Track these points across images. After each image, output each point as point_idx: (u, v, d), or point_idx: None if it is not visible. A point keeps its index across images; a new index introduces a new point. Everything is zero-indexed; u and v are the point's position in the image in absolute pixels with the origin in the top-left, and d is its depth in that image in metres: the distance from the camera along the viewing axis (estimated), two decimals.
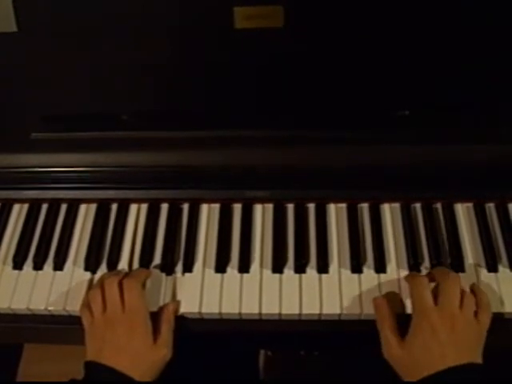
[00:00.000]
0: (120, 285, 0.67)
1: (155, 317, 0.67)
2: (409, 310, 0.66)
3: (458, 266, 0.70)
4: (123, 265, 0.73)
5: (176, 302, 0.69)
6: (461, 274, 0.69)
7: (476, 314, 0.63)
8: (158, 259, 0.73)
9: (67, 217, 0.78)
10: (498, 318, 0.67)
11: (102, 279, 0.70)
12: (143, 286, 0.69)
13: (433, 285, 0.65)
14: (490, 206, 0.76)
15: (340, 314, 0.67)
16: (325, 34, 0.65)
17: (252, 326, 0.69)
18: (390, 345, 0.63)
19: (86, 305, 0.67)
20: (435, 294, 0.64)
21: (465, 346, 0.61)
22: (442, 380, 0.59)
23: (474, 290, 0.67)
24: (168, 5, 0.64)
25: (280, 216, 0.75)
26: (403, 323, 0.64)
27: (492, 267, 0.70)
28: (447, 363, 0.59)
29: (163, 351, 0.65)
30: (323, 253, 0.71)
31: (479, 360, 0.61)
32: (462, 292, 0.64)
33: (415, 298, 0.64)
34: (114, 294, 0.66)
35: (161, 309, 0.68)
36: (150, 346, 0.64)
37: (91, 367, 0.63)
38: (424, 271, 0.70)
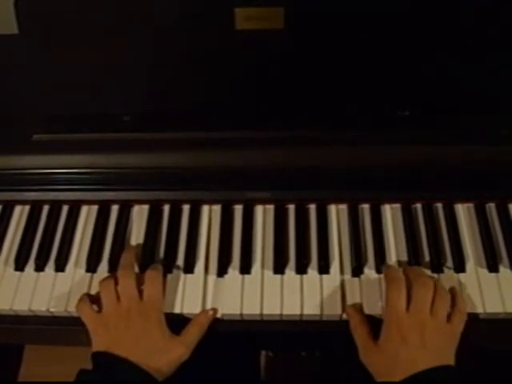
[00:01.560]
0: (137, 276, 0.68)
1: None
2: None
3: (459, 266, 0.70)
4: None
5: (216, 310, 0.68)
6: (461, 275, 0.70)
7: (449, 317, 0.63)
8: (159, 260, 0.73)
9: (68, 218, 0.78)
10: (499, 319, 0.67)
11: (113, 274, 0.70)
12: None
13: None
14: (491, 206, 0.76)
15: (341, 315, 0.67)
16: (325, 36, 0.65)
17: (253, 326, 0.69)
18: (365, 350, 0.64)
19: (86, 299, 0.67)
20: (408, 297, 0.63)
21: (435, 350, 0.60)
22: (415, 382, 0.58)
23: (452, 293, 0.66)
24: (169, 5, 0.64)
25: (281, 217, 0.75)
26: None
27: (493, 267, 0.70)
28: (418, 367, 0.59)
29: (182, 349, 0.65)
30: (324, 254, 0.71)
31: (452, 362, 0.61)
32: (435, 295, 0.63)
33: (388, 303, 0.64)
34: (131, 285, 0.66)
35: (200, 311, 0.68)
36: (168, 339, 0.64)
37: (102, 357, 0.62)
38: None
